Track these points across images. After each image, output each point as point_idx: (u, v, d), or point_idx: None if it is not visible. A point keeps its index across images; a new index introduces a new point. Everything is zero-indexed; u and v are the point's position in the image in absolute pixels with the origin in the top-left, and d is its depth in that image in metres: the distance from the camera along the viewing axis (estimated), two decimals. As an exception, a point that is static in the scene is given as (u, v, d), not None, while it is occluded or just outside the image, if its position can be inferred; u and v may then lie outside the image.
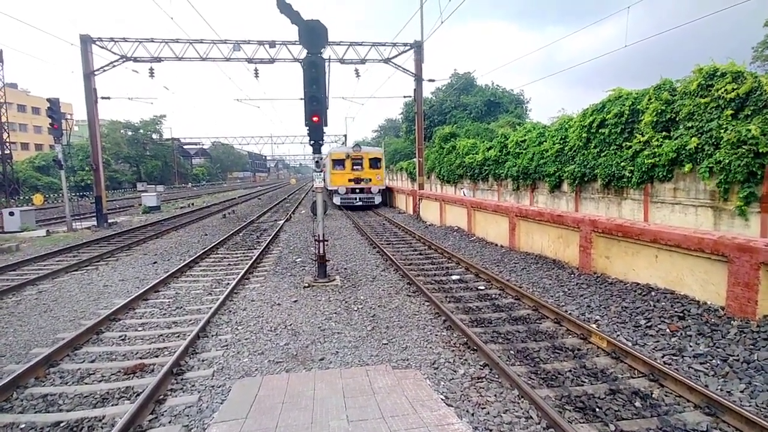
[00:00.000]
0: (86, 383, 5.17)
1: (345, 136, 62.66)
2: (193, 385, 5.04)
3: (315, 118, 8.73)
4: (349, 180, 26.67)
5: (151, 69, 21.53)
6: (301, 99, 8.95)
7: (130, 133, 66.45)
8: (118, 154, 62.85)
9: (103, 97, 21.67)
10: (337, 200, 26.91)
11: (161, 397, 4.76)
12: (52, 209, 31.76)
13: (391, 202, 29.66)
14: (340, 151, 27.88)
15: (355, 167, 26.91)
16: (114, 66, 20.67)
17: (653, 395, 4.60)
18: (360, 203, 26.95)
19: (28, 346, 6.31)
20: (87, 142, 28.74)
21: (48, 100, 18.72)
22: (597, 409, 4.34)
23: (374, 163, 27.36)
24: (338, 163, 26.90)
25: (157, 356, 5.91)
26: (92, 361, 5.78)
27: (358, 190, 26.88)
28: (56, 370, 5.48)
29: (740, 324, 5.84)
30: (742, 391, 4.59)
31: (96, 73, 20.45)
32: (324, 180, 28.83)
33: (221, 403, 4.54)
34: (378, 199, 27.37)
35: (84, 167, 45.93)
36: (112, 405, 4.66)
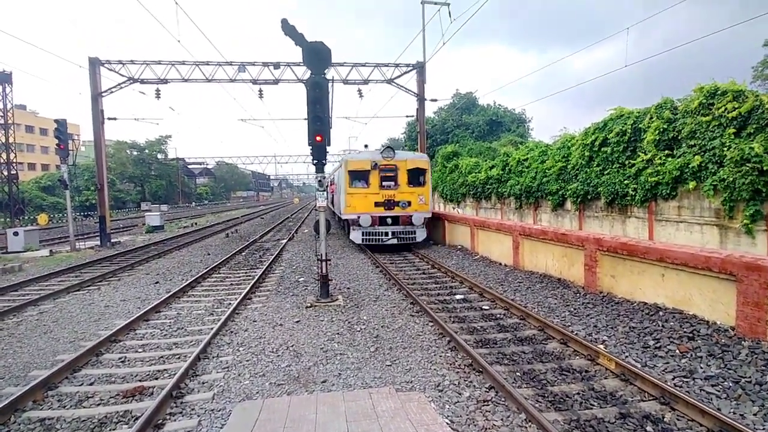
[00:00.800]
0: (84, 407, 5.07)
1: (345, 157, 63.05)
2: (192, 409, 4.94)
3: (318, 138, 8.79)
4: (377, 204, 16.81)
5: (158, 90, 21.85)
6: (305, 119, 9.03)
7: (135, 153, 67.20)
8: (124, 174, 63.44)
9: (109, 118, 21.96)
10: (356, 236, 16.99)
11: (160, 421, 4.66)
12: (57, 229, 31.91)
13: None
14: (361, 158, 17.88)
15: (385, 183, 17.02)
16: (121, 87, 21.01)
17: (665, 419, 4.46)
18: (393, 241, 16.83)
19: (27, 368, 6.23)
20: (93, 162, 29.03)
21: (56, 121, 19.00)
22: (607, 434, 4.22)
23: (416, 176, 17.34)
24: (359, 176, 17.26)
25: (156, 378, 5.81)
26: (91, 384, 5.69)
27: (390, 221, 16.91)
28: (54, 393, 5.39)
29: (751, 345, 5.72)
30: (755, 414, 4.45)
31: (104, 94, 20.80)
32: (334, 203, 19.63)
33: (221, 428, 4.44)
34: (421, 235, 17.11)
35: (89, 187, 46.34)
36: (110, 430, 4.56)
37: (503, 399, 4.93)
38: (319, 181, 9.37)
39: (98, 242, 20.68)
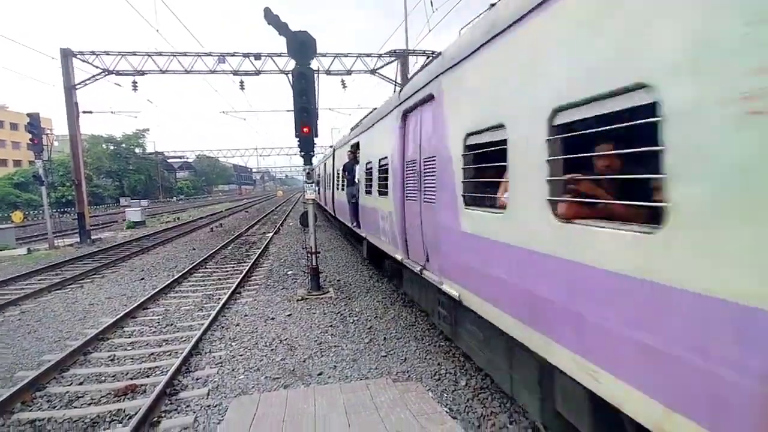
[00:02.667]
0: (75, 407, 4.95)
1: (331, 147, 62.48)
2: (188, 406, 4.87)
3: (305, 129, 8.68)
4: None
5: (134, 82, 21.23)
6: (289, 111, 8.93)
7: (112, 147, 65.50)
8: (100, 169, 61.80)
9: (84, 111, 21.32)
10: None
11: (155, 419, 4.58)
12: (33, 226, 30.95)
13: None
14: None
15: None
16: (96, 80, 20.37)
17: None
18: None
19: (12, 370, 6.05)
20: (68, 157, 28.10)
21: (28, 115, 18.35)
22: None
23: None
24: None
25: (148, 376, 5.71)
26: (81, 384, 5.55)
27: None
28: (43, 394, 5.25)
29: None
30: None
31: (77, 87, 20.11)
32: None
33: (219, 424, 4.39)
34: None
35: (65, 183, 44.99)
36: (104, 429, 4.47)
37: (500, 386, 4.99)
38: (307, 173, 9.27)
39: (78, 239, 20.13)
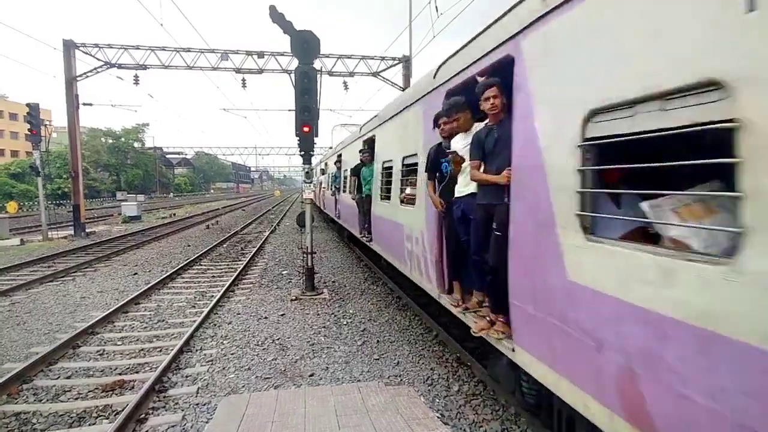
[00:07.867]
0: (62, 401, 4.87)
1: (331, 148, 62.37)
2: (176, 403, 4.80)
3: (306, 129, 8.64)
4: None
5: (136, 76, 21.18)
6: (290, 110, 8.91)
7: (111, 141, 65.26)
8: (98, 162, 61.53)
9: (84, 104, 21.21)
10: None
11: (142, 416, 4.51)
12: (28, 218, 30.76)
13: None
14: None
15: None
16: (98, 72, 20.30)
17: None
18: None
19: (-1, 361, 5.97)
20: (65, 149, 27.94)
21: (27, 105, 18.23)
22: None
23: None
24: None
25: (137, 372, 5.63)
26: (68, 378, 5.47)
27: None
28: (29, 387, 5.17)
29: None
30: None
31: (78, 79, 20.02)
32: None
33: (207, 422, 4.32)
34: None
35: (62, 175, 44.76)
36: (90, 425, 4.40)
37: (492, 392, 4.94)
38: (307, 172, 9.22)
39: (72, 232, 19.99)
